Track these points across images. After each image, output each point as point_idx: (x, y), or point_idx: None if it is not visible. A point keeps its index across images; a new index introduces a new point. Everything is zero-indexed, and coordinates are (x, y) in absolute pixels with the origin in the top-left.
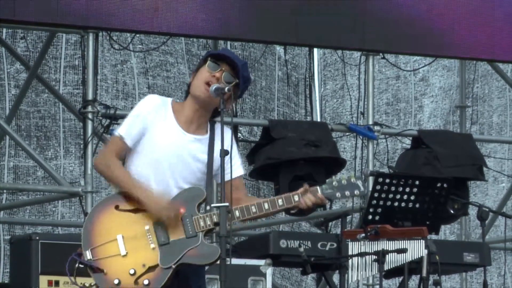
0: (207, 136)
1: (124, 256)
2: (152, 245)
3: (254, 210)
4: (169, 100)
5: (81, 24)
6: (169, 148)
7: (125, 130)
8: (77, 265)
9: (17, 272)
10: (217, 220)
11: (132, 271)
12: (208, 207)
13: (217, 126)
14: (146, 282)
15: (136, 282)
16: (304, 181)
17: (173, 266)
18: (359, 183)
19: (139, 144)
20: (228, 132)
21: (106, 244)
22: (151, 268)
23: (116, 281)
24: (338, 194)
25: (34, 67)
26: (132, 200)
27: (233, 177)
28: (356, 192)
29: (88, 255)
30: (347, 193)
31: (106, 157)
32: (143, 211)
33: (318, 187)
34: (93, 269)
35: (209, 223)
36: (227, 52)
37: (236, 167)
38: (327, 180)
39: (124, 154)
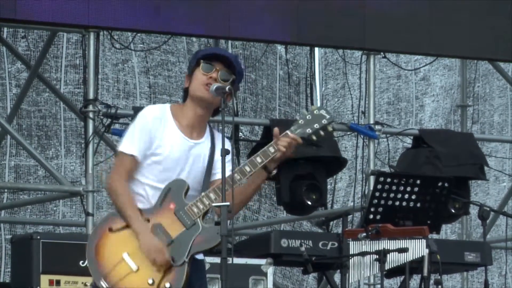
0: (207, 139)
1: (136, 271)
2: None
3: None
4: (167, 106)
5: (82, 23)
6: (173, 156)
7: (135, 147)
8: None
9: (18, 272)
10: (207, 200)
11: (150, 281)
12: (209, 215)
13: (214, 128)
14: (167, 285)
15: None
16: (305, 180)
17: (186, 260)
18: (323, 112)
19: (146, 157)
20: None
21: (116, 266)
22: (167, 271)
23: None
24: (308, 130)
25: (35, 66)
26: (120, 218)
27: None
28: (324, 121)
29: (103, 284)
30: (316, 125)
31: (118, 182)
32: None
33: (287, 130)
34: None
35: (201, 206)
36: (217, 50)
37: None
38: (294, 121)
39: (134, 169)
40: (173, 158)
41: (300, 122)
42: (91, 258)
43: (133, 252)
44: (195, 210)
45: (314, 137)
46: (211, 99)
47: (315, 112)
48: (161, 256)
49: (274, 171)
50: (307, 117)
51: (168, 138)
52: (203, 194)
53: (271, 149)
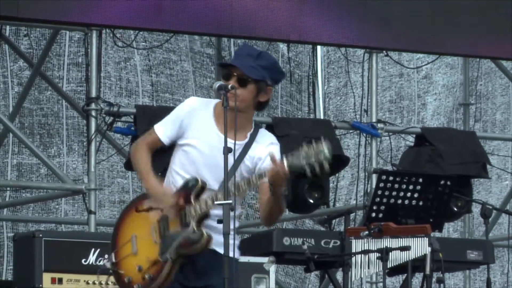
0: (245, 141)
1: (135, 254)
2: (155, 240)
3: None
4: (214, 102)
5: (84, 21)
6: (202, 147)
7: (160, 125)
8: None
9: (20, 269)
10: (204, 205)
11: (139, 267)
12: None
13: (261, 132)
14: (150, 276)
15: (143, 278)
16: (307, 178)
17: (169, 258)
18: (325, 148)
19: (179, 144)
20: (275, 147)
21: (124, 245)
22: (154, 263)
23: (126, 279)
24: (303, 162)
25: (37, 64)
26: (147, 200)
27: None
28: (321, 157)
29: (112, 258)
30: (312, 159)
31: (138, 143)
32: (155, 209)
33: (284, 157)
34: (115, 274)
35: (199, 209)
36: (235, 55)
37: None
38: (294, 150)
39: (157, 146)
40: (202, 151)
41: (300, 152)
42: (114, 230)
43: (141, 236)
44: (192, 212)
45: (308, 172)
46: (241, 108)
47: (318, 144)
48: (166, 198)
49: (282, 193)
50: (309, 149)
51: (201, 131)
52: (206, 197)
53: (254, 178)
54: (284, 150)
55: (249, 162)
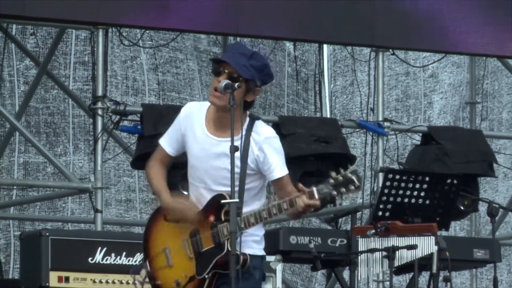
0: (240, 135)
1: (170, 267)
2: (190, 255)
3: (265, 215)
4: (207, 104)
5: (91, 20)
6: (199, 152)
7: (163, 137)
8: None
9: (27, 268)
10: (242, 225)
11: (176, 282)
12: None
13: (256, 125)
14: None
15: None
16: (314, 177)
17: (206, 276)
18: (354, 177)
19: (186, 152)
20: (273, 141)
21: (157, 256)
22: (191, 278)
23: None
24: (334, 192)
25: (43, 63)
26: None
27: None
28: (351, 187)
29: (147, 266)
30: (342, 190)
31: (150, 161)
32: (184, 222)
33: (314, 188)
34: (152, 285)
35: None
36: (228, 53)
37: (271, 171)
38: (325, 180)
39: (168, 159)
40: (196, 155)
41: (330, 181)
42: (145, 236)
43: (174, 248)
44: (225, 232)
45: (338, 200)
46: (222, 105)
47: (347, 174)
48: (190, 213)
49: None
50: (339, 178)
51: (194, 135)
52: (242, 216)
53: (285, 205)
54: (290, 148)
55: (250, 160)
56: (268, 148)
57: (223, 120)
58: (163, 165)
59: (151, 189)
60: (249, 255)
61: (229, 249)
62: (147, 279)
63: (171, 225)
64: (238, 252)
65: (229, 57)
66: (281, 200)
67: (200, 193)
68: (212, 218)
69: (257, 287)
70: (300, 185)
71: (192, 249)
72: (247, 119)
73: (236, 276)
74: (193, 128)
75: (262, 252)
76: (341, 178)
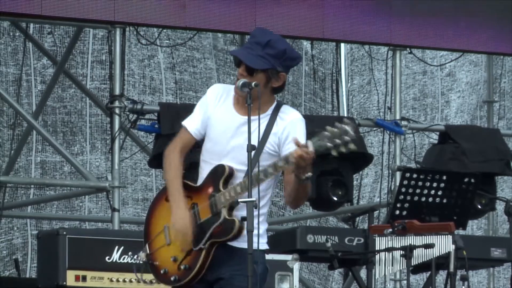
0: (267, 113)
1: (168, 245)
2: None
3: (262, 176)
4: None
5: (108, 19)
6: (222, 130)
7: (188, 120)
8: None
9: (44, 267)
10: (233, 192)
11: (173, 258)
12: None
13: (284, 107)
14: (186, 266)
15: (179, 268)
16: (331, 176)
17: (203, 247)
18: (349, 128)
19: (206, 133)
20: (299, 122)
21: (157, 236)
22: (189, 252)
23: (163, 271)
24: (328, 144)
25: (61, 62)
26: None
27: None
28: (346, 138)
29: (146, 249)
30: (337, 140)
31: (169, 148)
32: (184, 197)
33: (308, 141)
34: (150, 266)
35: (228, 197)
36: (246, 44)
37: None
38: (319, 132)
39: (192, 143)
40: (219, 131)
41: (324, 133)
42: (146, 220)
43: (171, 226)
44: (222, 199)
45: (334, 152)
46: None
47: (342, 125)
48: (184, 238)
49: (306, 175)
50: (334, 130)
51: (220, 113)
52: (234, 184)
53: (280, 163)
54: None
55: (273, 139)
56: (292, 129)
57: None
58: (181, 151)
59: (165, 180)
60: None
61: (226, 217)
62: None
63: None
64: (235, 219)
65: (243, 49)
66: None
67: None
68: (210, 190)
69: (259, 281)
70: (296, 138)
71: (191, 222)
72: (275, 102)
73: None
74: (220, 107)
75: (264, 246)
76: (336, 129)
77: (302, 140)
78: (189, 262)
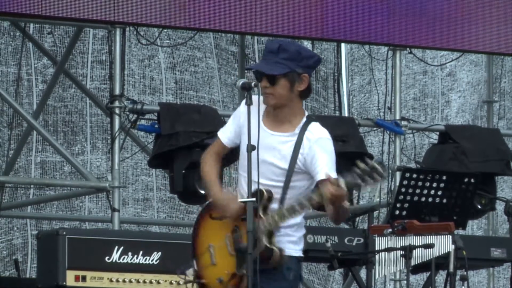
0: (294, 132)
1: (214, 265)
2: (231, 252)
3: (297, 208)
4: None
5: (108, 19)
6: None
7: (221, 129)
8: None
9: (44, 267)
10: (277, 219)
11: (219, 280)
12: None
13: (312, 126)
14: None
15: None
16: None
17: (244, 272)
18: (379, 167)
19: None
20: (323, 142)
21: (203, 254)
22: (233, 275)
23: None
24: (358, 181)
25: (61, 62)
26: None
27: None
28: (377, 176)
29: (194, 265)
30: (367, 178)
31: (205, 153)
32: (227, 219)
33: (340, 178)
34: (199, 284)
35: (267, 225)
36: (263, 56)
37: (318, 171)
38: (351, 170)
39: (225, 150)
40: (242, 133)
41: (356, 170)
42: (192, 235)
43: (217, 246)
44: (262, 226)
45: (364, 188)
46: (279, 103)
47: (373, 163)
48: (232, 215)
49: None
50: (364, 167)
51: (250, 127)
52: (274, 212)
53: (315, 197)
54: None
55: (300, 160)
56: (318, 148)
57: (279, 115)
58: (217, 157)
59: (203, 181)
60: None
61: (267, 245)
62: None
63: (216, 223)
64: (274, 247)
65: (259, 62)
66: (312, 192)
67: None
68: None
69: None
70: (327, 173)
71: (233, 246)
72: (304, 119)
73: (254, 274)
74: (250, 120)
75: (298, 253)
76: (366, 167)
77: (324, 160)
78: (233, 285)
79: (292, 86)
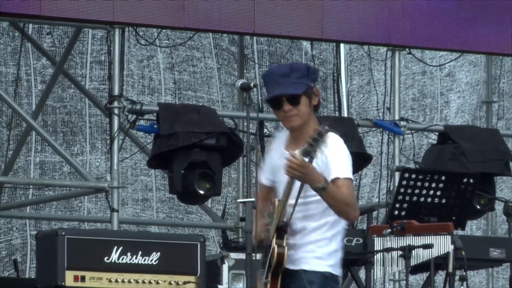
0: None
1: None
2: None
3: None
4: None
5: (107, 19)
6: (274, 166)
7: (260, 173)
8: None
9: (43, 267)
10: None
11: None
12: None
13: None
14: None
15: None
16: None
17: (266, 280)
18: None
19: None
20: (334, 147)
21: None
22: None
23: None
24: (307, 148)
25: (60, 62)
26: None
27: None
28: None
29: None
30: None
31: (256, 203)
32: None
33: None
34: None
35: (273, 228)
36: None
37: (330, 170)
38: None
39: (269, 190)
40: (274, 168)
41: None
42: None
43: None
44: (271, 231)
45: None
46: (295, 125)
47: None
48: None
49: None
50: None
51: (274, 158)
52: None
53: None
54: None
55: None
56: (330, 151)
57: (298, 137)
58: (266, 203)
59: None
60: (305, 270)
61: (273, 245)
62: None
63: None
64: (274, 247)
65: (277, 87)
66: None
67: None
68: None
69: None
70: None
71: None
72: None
73: (250, 275)
74: (277, 151)
75: (323, 269)
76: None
77: (336, 160)
78: None
79: (310, 102)
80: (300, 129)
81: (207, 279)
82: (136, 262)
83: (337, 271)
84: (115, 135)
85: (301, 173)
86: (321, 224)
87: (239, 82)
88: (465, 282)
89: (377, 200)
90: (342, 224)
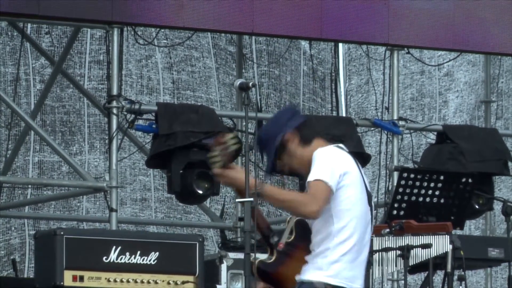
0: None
1: None
2: None
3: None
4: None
5: (105, 19)
6: None
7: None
8: None
9: (41, 267)
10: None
11: None
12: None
13: None
14: None
15: None
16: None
17: None
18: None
19: None
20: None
21: None
22: None
23: None
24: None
25: (59, 62)
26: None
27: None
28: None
29: None
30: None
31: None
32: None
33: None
34: None
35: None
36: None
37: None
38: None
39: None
40: None
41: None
42: None
43: None
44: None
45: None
46: (293, 171)
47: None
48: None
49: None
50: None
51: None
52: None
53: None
54: None
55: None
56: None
57: (300, 173)
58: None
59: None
60: (302, 280)
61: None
62: None
63: None
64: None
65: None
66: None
67: None
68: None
69: None
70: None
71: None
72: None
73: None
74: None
75: (318, 278)
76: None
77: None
78: None
79: (289, 151)
80: (295, 171)
81: (205, 279)
82: (135, 262)
83: (339, 282)
84: (114, 134)
85: (224, 182)
86: (320, 235)
87: (238, 82)
88: (463, 282)
89: (375, 199)
90: (346, 234)
